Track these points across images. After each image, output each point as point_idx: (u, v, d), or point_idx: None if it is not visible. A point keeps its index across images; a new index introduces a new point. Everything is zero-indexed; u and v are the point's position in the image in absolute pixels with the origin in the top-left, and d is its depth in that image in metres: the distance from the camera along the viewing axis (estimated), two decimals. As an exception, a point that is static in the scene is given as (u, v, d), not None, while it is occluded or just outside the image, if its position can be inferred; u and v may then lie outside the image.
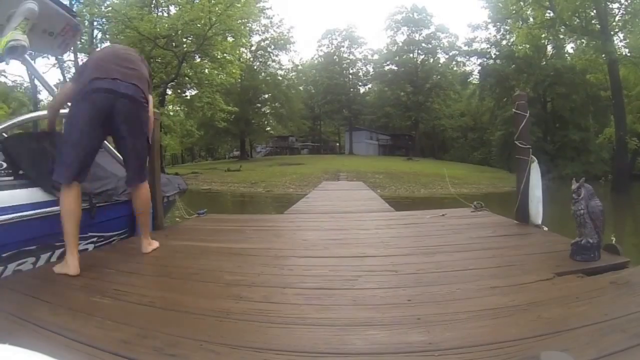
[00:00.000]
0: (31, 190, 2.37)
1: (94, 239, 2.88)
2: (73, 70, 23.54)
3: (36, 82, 3.59)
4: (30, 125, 3.83)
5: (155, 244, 2.49)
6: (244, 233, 3.23)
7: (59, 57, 4.68)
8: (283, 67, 36.47)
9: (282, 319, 1.36)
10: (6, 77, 21.73)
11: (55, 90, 3.28)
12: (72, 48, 4.72)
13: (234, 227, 3.60)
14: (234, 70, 22.12)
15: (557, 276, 1.68)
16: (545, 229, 2.78)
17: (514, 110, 3.06)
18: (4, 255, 2.15)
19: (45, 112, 2.74)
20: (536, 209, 2.86)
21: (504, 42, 31.07)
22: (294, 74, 38.77)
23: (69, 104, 2.31)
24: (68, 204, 2.04)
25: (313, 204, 5.93)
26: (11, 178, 2.38)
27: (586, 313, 1.31)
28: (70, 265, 1.93)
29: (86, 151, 2.10)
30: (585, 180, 1.94)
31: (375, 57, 41.99)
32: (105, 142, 3.67)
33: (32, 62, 3.21)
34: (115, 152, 3.04)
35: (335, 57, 41.32)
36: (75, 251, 2.00)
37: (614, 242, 1.97)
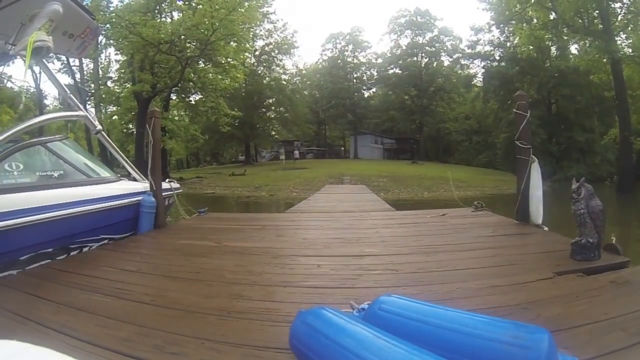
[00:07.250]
0: None
1: (105, 242, 2.91)
2: (78, 75, 23.82)
3: (41, 87, 3.61)
4: (36, 130, 3.85)
5: None
6: (245, 232, 3.24)
7: (74, 59, 4.66)
8: (287, 72, 36.65)
9: (284, 317, 1.36)
10: (13, 83, 21.92)
11: (68, 92, 3.30)
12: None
13: (234, 226, 3.62)
14: (237, 75, 22.19)
15: (557, 275, 1.67)
16: (546, 228, 2.76)
17: (514, 110, 3.05)
18: (21, 258, 2.19)
19: (50, 115, 2.75)
20: (536, 209, 2.84)
21: (508, 44, 30.93)
22: (298, 78, 38.88)
23: None
24: None
25: (314, 205, 5.93)
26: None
27: (586, 312, 1.30)
28: None
29: None
30: (590, 182, 1.93)
31: (379, 60, 41.99)
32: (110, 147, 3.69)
33: (46, 63, 3.21)
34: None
35: (339, 61, 41.34)
36: None
37: (614, 241, 1.96)
